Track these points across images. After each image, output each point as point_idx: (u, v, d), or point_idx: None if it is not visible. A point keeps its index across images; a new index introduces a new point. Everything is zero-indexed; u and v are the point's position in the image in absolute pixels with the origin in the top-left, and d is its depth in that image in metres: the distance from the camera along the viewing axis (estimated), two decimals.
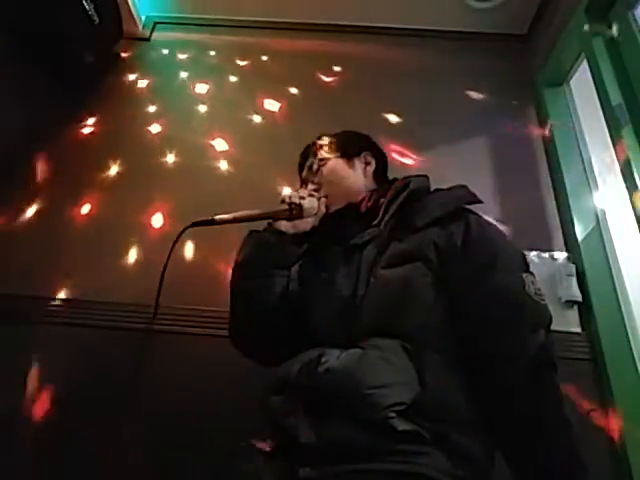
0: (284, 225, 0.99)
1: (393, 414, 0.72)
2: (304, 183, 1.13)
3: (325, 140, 1.12)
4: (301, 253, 1.02)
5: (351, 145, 1.11)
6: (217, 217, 0.99)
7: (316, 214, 1.01)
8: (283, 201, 1.00)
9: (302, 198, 1.00)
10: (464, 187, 0.98)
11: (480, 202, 0.94)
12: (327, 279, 0.94)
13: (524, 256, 0.90)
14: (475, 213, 0.94)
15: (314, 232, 1.03)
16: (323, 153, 1.09)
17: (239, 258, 0.99)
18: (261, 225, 1.02)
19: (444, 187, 0.99)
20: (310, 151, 1.13)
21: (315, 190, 1.06)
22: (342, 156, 1.08)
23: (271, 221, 1.00)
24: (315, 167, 1.09)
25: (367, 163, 1.10)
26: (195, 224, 1.00)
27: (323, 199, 1.04)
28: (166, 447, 1.20)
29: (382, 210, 0.96)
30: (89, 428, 1.21)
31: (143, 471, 1.18)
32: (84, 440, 1.21)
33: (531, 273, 0.86)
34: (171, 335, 1.34)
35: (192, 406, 1.21)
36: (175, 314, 1.36)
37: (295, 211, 0.98)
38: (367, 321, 0.85)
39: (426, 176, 1.04)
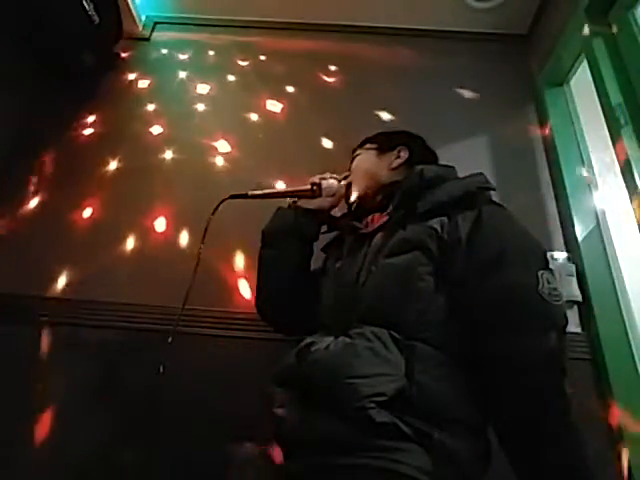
0: (303, 201, 1.12)
1: (372, 404, 0.71)
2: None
3: (371, 136, 1.19)
4: (318, 230, 1.13)
5: (388, 140, 1.15)
6: (250, 192, 1.13)
7: (334, 195, 1.12)
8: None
9: (323, 179, 1.12)
10: (480, 174, 0.95)
11: (493, 189, 0.93)
12: (338, 268, 0.99)
13: (544, 252, 0.84)
14: (494, 202, 0.91)
15: (333, 215, 1.14)
16: (364, 146, 1.16)
17: (264, 229, 1.12)
18: None
19: None
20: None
21: (345, 177, 1.15)
22: (377, 149, 1.13)
23: (296, 199, 1.14)
24: (352, 157, 1.18)
25: (398, 157, 1.10)
26: (232, 196, 1.11)
27: (343, 182, 1.13)
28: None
29: (393, 199, 0.96)
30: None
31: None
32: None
33: (549, 270, 0.81)
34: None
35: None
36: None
37: (315, 190, 1.10)
38: (362, 309, 0.85)
39: (451, 166, 1.02)
